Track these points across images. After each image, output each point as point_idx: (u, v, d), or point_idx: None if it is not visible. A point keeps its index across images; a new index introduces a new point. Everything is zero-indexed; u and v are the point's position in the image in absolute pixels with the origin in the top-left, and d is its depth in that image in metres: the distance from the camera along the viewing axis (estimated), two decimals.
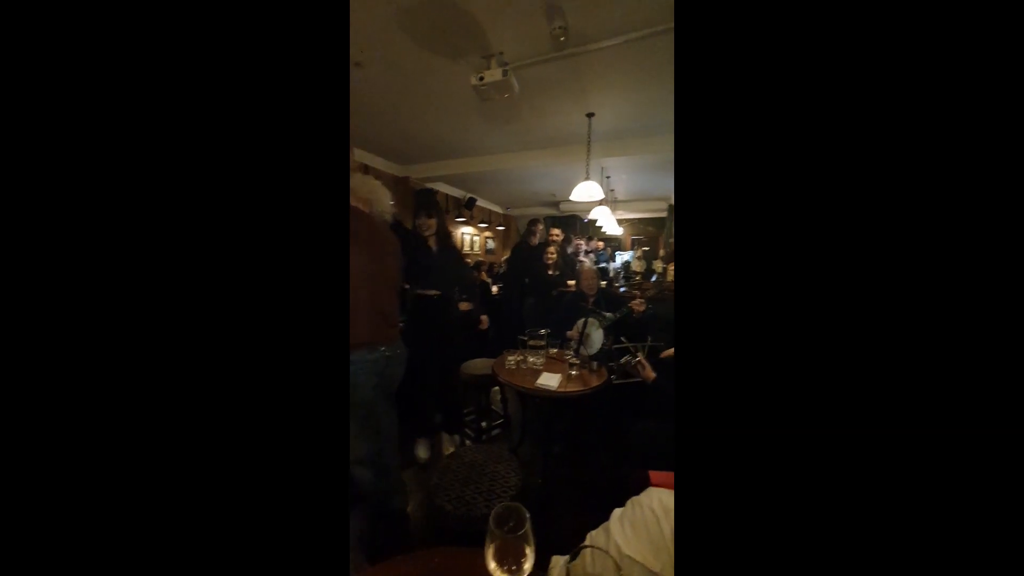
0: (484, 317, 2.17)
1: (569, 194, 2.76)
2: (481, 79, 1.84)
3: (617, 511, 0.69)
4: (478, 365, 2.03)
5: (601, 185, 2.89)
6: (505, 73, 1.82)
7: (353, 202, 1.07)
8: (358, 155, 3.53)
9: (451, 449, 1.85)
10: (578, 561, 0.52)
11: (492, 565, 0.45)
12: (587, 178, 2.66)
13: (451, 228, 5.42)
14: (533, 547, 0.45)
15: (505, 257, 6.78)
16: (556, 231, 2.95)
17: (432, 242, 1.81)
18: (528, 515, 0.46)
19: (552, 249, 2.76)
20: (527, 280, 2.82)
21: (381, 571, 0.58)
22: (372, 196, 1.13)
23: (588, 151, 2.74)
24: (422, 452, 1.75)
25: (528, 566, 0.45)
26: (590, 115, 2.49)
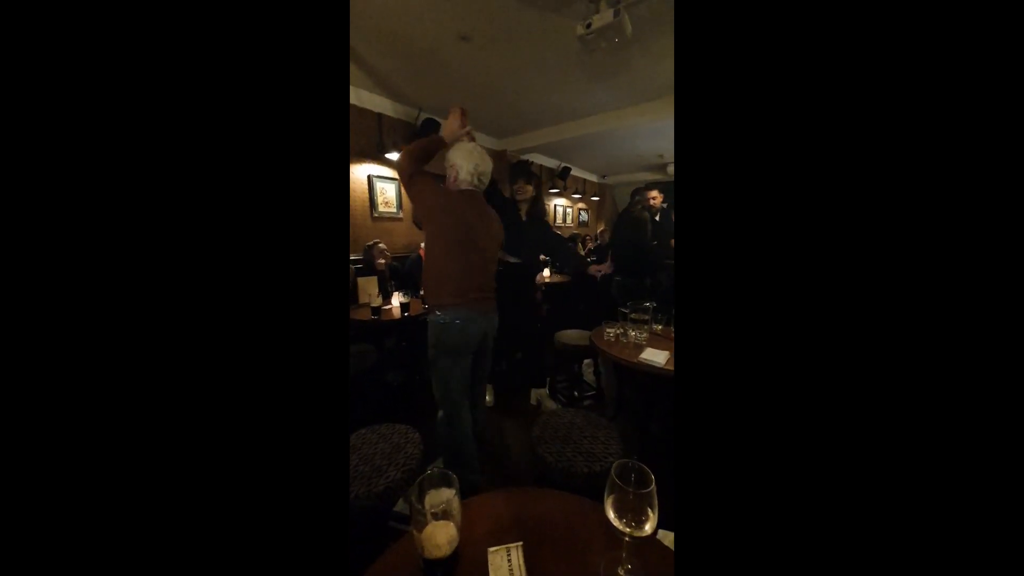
0: (605, 265, 2.05)
1: None
2: (588, 26, 1.68)
3: None
4: (572, 336, 2.03)
5: None
6: (617, 13, 1.61)
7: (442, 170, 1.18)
8: None
9: (550, 406, 1.95)
10: None
11: (612, 515, 0.45)
12: None
13: (545, 200, 5.40)
14: (656, 510, 0.44)
15: (600, 229, 6.42)
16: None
17: (523, 211, 1.81)
18: (654, 477, 0.44)
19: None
20: (628, 252, 2.63)
21: (491, 499, 0.66)
22: (461, 163, 1.18)
23: None
24: (488, 396, 1.95)
25: (649, 527, 0.44)
26: None
